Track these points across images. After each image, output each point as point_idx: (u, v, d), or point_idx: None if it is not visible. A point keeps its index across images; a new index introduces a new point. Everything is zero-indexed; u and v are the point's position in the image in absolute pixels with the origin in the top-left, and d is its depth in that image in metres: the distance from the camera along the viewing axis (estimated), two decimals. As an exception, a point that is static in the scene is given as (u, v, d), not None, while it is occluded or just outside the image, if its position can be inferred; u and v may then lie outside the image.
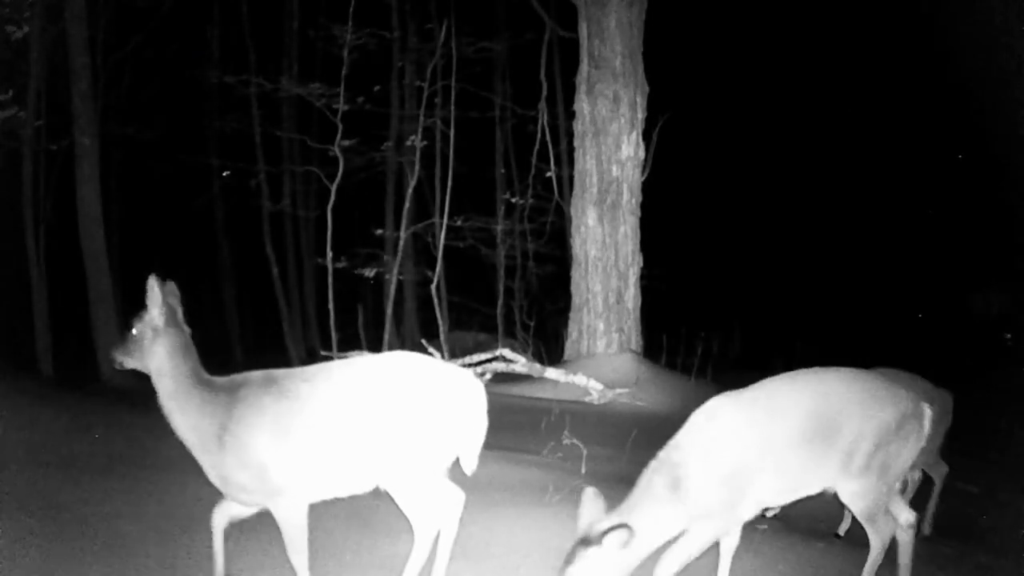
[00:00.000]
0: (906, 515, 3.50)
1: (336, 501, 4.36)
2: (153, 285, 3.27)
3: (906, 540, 3.51)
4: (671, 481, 3.22)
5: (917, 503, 4.65)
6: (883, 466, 3.31)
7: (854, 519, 3.96)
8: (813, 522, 4.60)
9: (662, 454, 3.37)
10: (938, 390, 4.71)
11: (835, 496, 3.48)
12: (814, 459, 3.28)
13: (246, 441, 3.07)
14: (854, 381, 3.50)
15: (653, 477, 3.26)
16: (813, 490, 3.43)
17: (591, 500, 3.19)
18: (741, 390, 3.43)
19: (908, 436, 3.35)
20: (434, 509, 3.32)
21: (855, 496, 3.35)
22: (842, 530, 4.48)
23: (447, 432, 3.26)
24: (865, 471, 3.29)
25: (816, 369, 3.61)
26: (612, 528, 3.00)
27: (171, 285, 3.35)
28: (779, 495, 3.41)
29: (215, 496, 3.33)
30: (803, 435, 3.27)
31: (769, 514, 4.51)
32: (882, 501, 3.37)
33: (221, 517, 3.33)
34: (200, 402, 3.16)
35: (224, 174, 16.75)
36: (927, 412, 3.42)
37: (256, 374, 3.26)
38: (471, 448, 3.37)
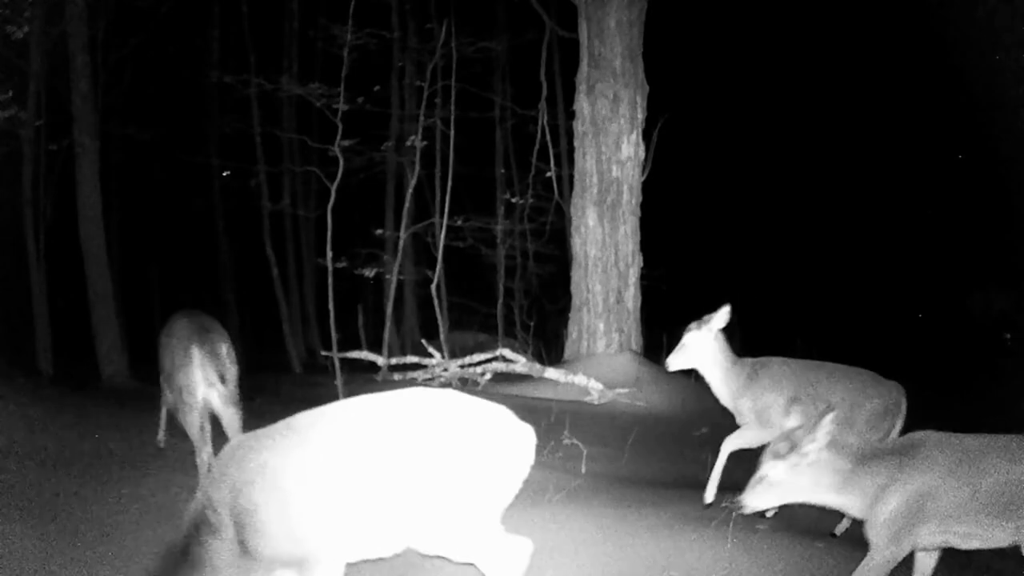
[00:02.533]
0: None
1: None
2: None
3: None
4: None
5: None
6: None
7: (853, 520, 3.96)
8: (813, 522, 4.60)
9: None
10: (888, 382, 4.71)
11: None
12: None
13: None
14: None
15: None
16: None
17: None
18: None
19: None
20: (495, 567, 2.99)
21: None
22: (839, 530, 4.48)
23: (492, 483, 2.96)
24: None
25: None
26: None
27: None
28: None
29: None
30: None
31: (769, 514, 4.51)
32: None
33: None
34: None
35: (224, 174, 16.75)
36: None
37: None
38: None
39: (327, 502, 2.75)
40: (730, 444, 4.75)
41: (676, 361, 4.86)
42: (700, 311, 4.97)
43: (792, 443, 3.22)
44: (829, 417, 3.17)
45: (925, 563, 3.53)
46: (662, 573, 3.69)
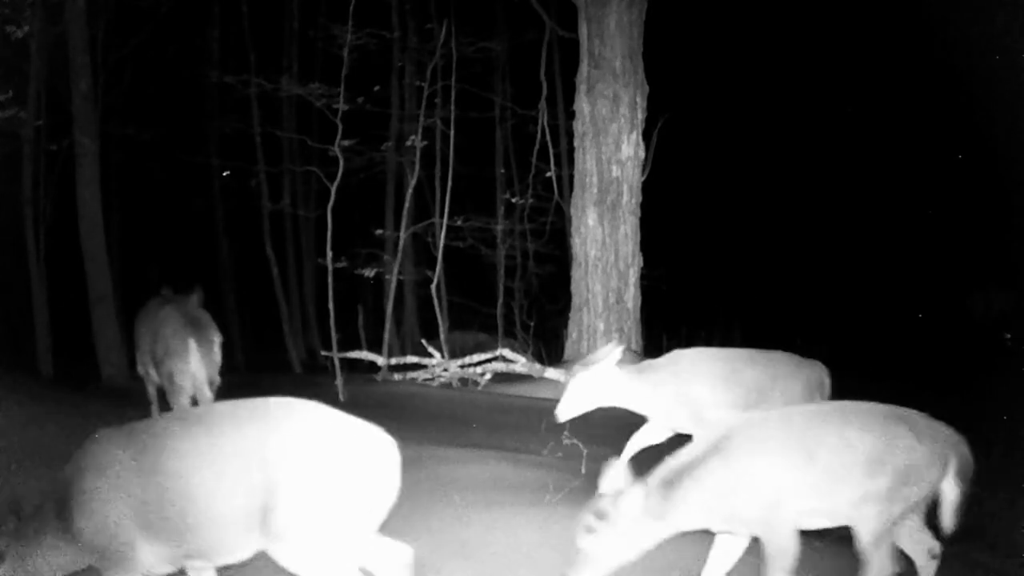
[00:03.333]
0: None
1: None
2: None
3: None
4: None
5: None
6: None
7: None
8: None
9: None
10: (809, 362, 4.71)
11: None
12: None
13: None
14: None
15: None
16: None
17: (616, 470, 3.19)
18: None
19: None
20: None
21: None
22: None
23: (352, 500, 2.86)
24: None
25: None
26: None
27: None
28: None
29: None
30: None
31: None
32: None
33: None
34: None
35: (224, 174, 16.74)
36: None
37: None
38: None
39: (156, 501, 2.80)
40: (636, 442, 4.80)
41: (566, 410, 4.50)
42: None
43: (601, 514, 3.09)
44: (637, 490, 3.08)
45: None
46: (662, 573, 3.69)
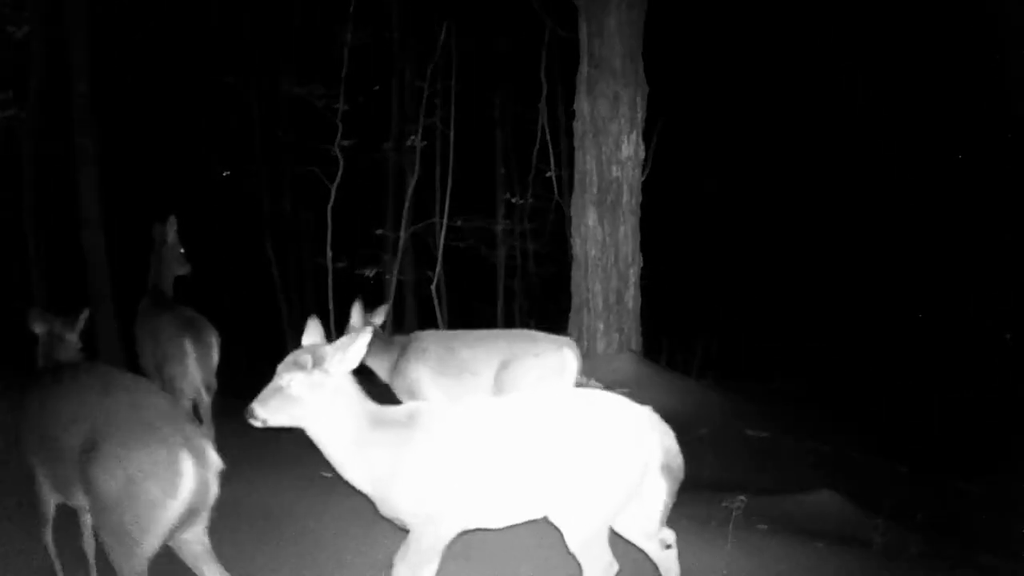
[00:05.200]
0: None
1: (335, 503, 4.36)
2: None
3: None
4: None
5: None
6: None
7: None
8: (813, 522, 4.60)
9: None
10: (556, 338, 4.69)
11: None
12: None
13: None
14: None
15: None
16: None
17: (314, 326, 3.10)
18: None
19: None
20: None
21: None
22: None
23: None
24: None
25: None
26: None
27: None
28: None
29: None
30: None
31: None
32: None
33: None
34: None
35: (224, 174, 16.74)
36: None
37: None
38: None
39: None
40: None
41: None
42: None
43: (317, 357, 2.91)
44: (364, 336, 2.90)
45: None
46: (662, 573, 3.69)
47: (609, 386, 8.15)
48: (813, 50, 17.27)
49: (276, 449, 4.87)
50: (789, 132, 18.14)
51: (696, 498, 4.75)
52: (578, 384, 8.24)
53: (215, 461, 2.93)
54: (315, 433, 2.96)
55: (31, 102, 10.96)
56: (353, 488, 3.02)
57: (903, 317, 19.15)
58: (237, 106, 15.11)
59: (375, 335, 4.17)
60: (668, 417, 3.30)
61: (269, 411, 2.91)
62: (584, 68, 9.57)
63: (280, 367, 2.95)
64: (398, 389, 4.75)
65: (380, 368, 4.84)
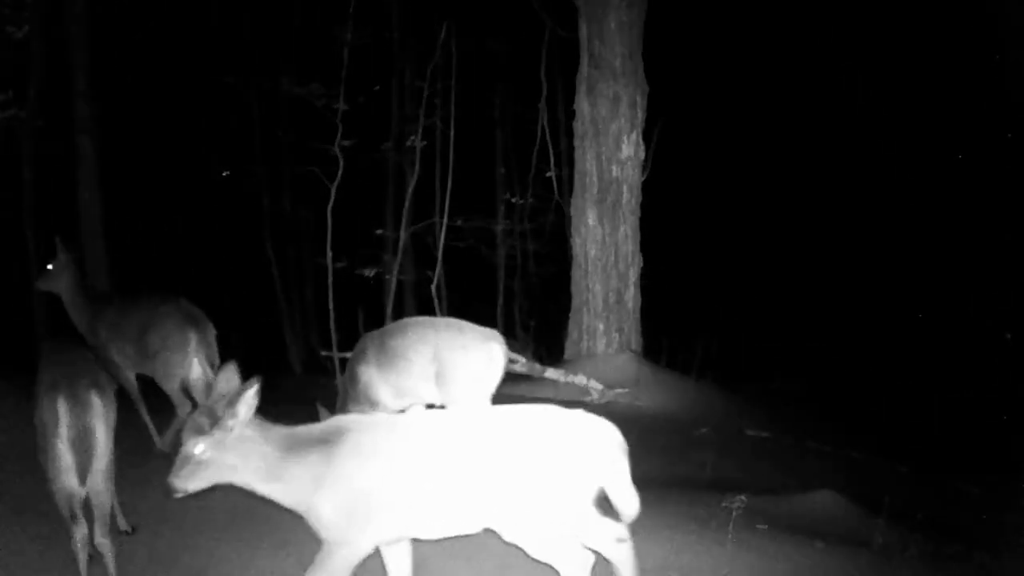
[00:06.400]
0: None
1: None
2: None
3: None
4: None
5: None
6: None
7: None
8: (813, 522, 4.60)
9: None
10: (486, 331, 4.65)
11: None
12: None
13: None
14: None
15: None
16: None
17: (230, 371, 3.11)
18: None
19: None
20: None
21: None
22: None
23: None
24: None
25: None
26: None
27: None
28: None
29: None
30: None
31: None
32: None
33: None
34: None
35: (224, 174, 16.74)
36: None
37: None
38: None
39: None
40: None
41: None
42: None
43: (213, 417, 2.93)
44: (252, 388, 2.94)
45: (397, 561, 3.27)
46: (662, 573, 3.69)
47: (609, 386, 8.16)
48: (813, 50, 17.26)
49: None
50: (789, 132, 18.13)
51: (696, 498, 4.74)
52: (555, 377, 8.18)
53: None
54: (235, 480, 3.02)
55: (31, 102, 10.96)
56: None
57: (903, 317, 19.15)
58: (237, 106, 15.10)
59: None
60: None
61: (185, 481, 2.96)
62: (584, 68, 9.57)
63: (183, 435, 2.98)
64: (352, 398, 4.69)
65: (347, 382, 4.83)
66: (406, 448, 3.02)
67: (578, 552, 3.09)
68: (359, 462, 2.97)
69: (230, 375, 3.08)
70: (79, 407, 3.43)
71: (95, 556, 3.44)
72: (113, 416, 3.58)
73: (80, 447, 3.39)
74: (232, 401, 2.93)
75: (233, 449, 2.94)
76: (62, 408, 3.40)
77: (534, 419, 3.11)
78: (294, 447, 3.00)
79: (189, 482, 2.95)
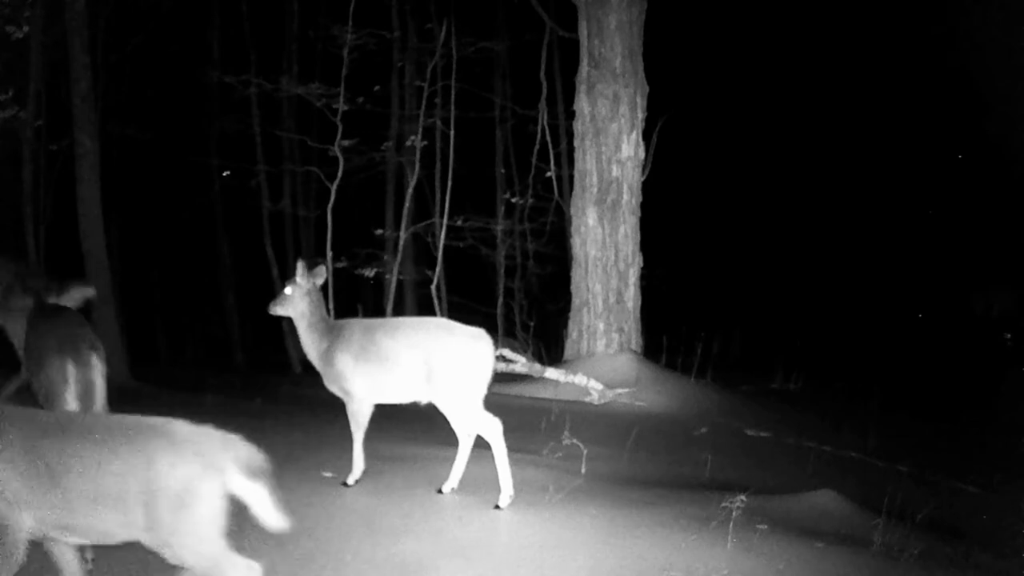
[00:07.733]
0: None
1: (336, 503, 4.36)
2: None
3: None
4: None
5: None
6: None
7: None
8: (813, 522, 4.60)
9: None
10: (465, 335, 4.57)
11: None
12: None
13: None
14: None
15: None
16: None
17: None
18: None
19: None
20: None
21: None
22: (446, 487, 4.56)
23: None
24: None
25: None
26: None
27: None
28: None
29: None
30: None
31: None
32: None
33: None
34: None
35: (224, 174, 16.74)
36: None
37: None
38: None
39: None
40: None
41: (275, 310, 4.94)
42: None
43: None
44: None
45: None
46: (662, 573, 3.69)
47: (609, 386, 8.17)
48: (813, 50, 17.26)
49: (276, 449, 4.86)
50: (789, 132, 18.13)
51: (696, 498, 4.74)
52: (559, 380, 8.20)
53: None
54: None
55: (31, 102, 10.96)
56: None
57: (903, 317, 19.16)
58: (237, 106, 15.11)
59: (323, 319, 4.85)
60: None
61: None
62: (584, 68, 9.57)
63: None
64: (326, 376, 4.71)
65: (313, 350, 4.78)
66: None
67: (223, 560, 2.89)
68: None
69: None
70: (83, 366, 4.00)
71: None
72: (105, 369, 4.16)
73: (85, 399, 3.95)
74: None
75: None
76: (70, 369, 3.97)
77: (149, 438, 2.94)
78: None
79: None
